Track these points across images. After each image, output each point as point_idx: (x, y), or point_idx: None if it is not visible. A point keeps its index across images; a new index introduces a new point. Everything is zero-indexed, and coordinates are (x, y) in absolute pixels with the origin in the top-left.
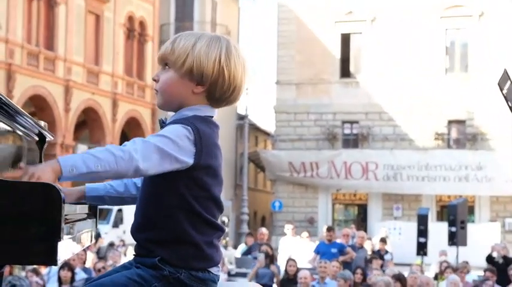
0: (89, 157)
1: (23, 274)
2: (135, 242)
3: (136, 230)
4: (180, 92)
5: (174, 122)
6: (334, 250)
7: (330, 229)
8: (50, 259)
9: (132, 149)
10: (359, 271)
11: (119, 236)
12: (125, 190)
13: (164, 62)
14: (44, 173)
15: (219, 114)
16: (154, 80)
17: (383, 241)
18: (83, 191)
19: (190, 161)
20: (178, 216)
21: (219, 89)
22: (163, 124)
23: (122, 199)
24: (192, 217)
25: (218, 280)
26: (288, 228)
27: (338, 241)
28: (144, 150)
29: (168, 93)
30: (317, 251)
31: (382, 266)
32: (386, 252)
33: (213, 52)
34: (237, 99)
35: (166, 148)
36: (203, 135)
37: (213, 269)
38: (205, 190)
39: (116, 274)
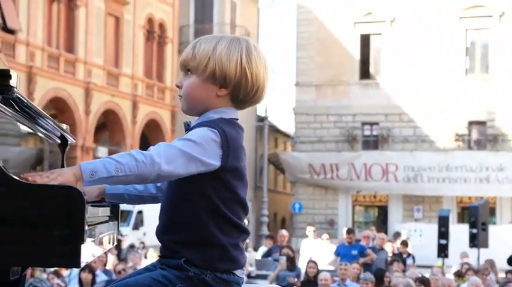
0: (109, 162)
1: (44, 276)
2: (155, 244)
3: (162, 232)
4: (204, 96)
5: (200, 125)
6: (354, 252)
7: (350, 231)
8: (73, 261)
9: (155, 153)
10: (387, 274)
11: (139, 238)
12: (145, 189)
13: (186, 68)
14: (63, 174)
15: (239, 116)
16: (178, 86)
17: (404, 244)
18: (103, 189)
19: (217, 163)
20: (204, 218)
21: (243, 91)
22: (188, 127)
23: (141, 198)
24: (218, 219)
25: (242, 283)
26: (310, 230)
27: (362, 242)
28: (168, 154)
29: (192, 98)
30: (337, 253)
31: (403, 270)
32: (409, 255)
33: (234, 54)
34: (260, 99)
35: (192, 151)
36: (230, 137)
37: (238, 272)
38: (231, 192)
39: (141, 275)
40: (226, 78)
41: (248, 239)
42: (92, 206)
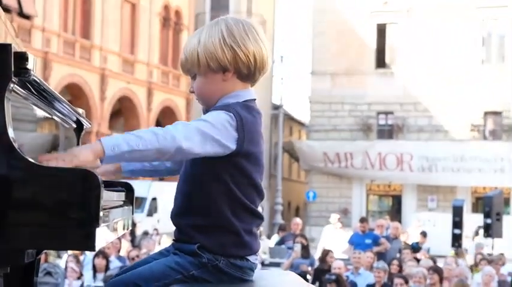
0: (130, 136)
1: (58, 261)
2: (169, 231)
3: (177, 215)
4: (214, 88)
5: (216, 108)
6: (368, 241)
7: (363, 220)
8: (87, 244)
9: (173, 130)
10: (395, 262)
11: (153, 224)
12: (160, 162)
13: (188, 73)
14: (80, 155)
15: (254, 95)
16: (191, 92)
17: (423, 234)
18: (119, 166)
19: (232, 146)
20: (220, 202)
21: (243, 66)
22: (206, 112)
23: (156, 172)
24: (234, 204)
25: (255, 269)
26: (334, 218)
27: (376, 231)
28: (186, 131)
29: (205, 95)
30: (351, 242)
31: (416, 258)
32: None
33: (216, 37)
34: (265, 66)
35: (208, 130)
36: (245, 121)
37: (251, 258)
38: (247, 176)
39: (154, 262)
40: (220, 62)
41: (262, 227)
42: (106, 190)
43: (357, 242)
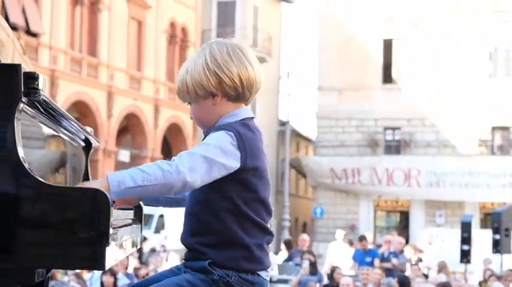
0: (136, 172)
1: (66, 278)
2: (177, 248)
3: (187, 236)
4: (207, 112)
5: (216, 129)
6: (369, 259)
7: (362, 239)
8: (97, 263)
9: (179, 163)
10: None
11: (161, 241)
12: (168, 193)
13: (184, 101)
14: (91, 186)
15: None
16: (192, 118)
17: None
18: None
19: (237, 165)
20: (228, 219)
21: (229, 88)
22: (206, 133)
23: (177, 201)
24: (241, 220)
25: (267, 285)
26: (340, 234)
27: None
28: (191, 162)
29: (202, 120)
30: (354, 258)
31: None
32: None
33: (199, 64)
34: (255, 85)
35: (212, 155)
36: (245, 138)
37: (263, 273)
38: (253, 191)
39: (165, 280)
40: (207, 89)
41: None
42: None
43: (359, 260)
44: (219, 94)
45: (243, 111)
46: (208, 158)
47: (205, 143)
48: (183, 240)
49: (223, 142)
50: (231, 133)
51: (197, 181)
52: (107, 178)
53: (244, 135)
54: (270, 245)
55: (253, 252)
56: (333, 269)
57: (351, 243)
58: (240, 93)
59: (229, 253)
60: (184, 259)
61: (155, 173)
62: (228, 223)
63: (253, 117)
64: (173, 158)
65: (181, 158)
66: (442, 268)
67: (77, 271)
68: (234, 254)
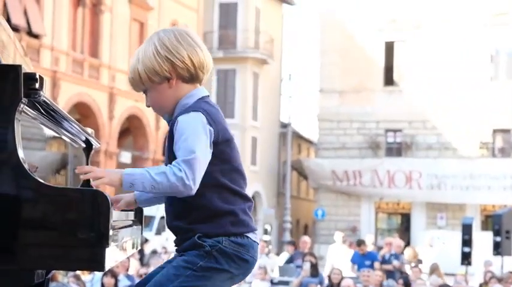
0: (147, 178)
1: (66, 280)
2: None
3: (172, 219)
4: (164, 96)
5: (181, 113)
6: (367, 262)
7: (360, 243)
8: (97, 265)
9: (184, 175)
10: (400, 281)
11: (162, 243)
12: None
13: (139, 90)
14: (112, 176)
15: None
16: (148, 106)
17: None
18: (132, 198)
19: (212, 139)
20: (208, 193)
21: (183, 71)
22: (170, 119)
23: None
24: (222, 191)
25: (256, 247)
26: (338, 236)
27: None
28: (193, 171)
29: (159, 106)
30: (353, 261)
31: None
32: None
33: (149, 52)
34: (206, 66)
35: (201, 150)
36: (211, 113)
37: (251, 235)
38: (227, 162)
39: (163, 269)
40: (161, 74)
41: (271, 245)
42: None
43: (358, 263)
44: (173, 77)
45: (199, 90)
46: (199, 152)
47: (185, 137)
48: (169, 223)
49: (199, 126)
50: (199, 112)
51: (198, 183)
52: (122, 175)
53: (211, 111)
54: (271, 247)
55: (239, 216)
56: (330, 270)
57: (349, 245)
58: (194, 74)
59: (216, 222)
60: (175, 245)
61: (163, 183)
62: (209, 196)
63: (208, 95)
64: (177, 166)
65: (183, 169)
66: (434, 270)
67: (77, 272)
68: (221, 222)
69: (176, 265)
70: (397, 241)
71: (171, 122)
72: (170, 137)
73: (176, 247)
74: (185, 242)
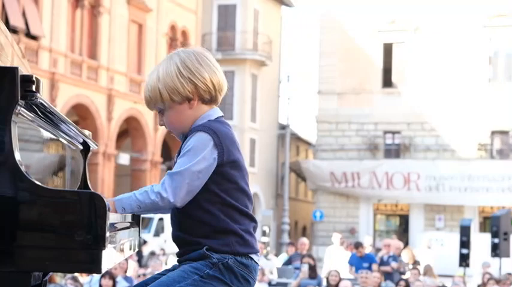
0: (134, 200)
1: (64, 282)
2: (176, 251)
3: (178, 231)
4: (183, 117)
5: (193, 131)
6: (365, 265)
7: (358, 246)
8: (94, 267)
9: (162, 190)
10: (402, 283)
11: (160, 245)
12: None
13: (155, 108)
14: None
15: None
16: (161, 125)
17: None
18: None
19: (214, 164)
20: (214, 210)
21: (205, 92)
22: (183, 138)
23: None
24: (228, 209)
25: (258, 269)
26: (336, 237)
27: (383, 251)
28: (172, 183)
29: (176, 126)
30: (351, 263)
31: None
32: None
33: (172, 72)
34: (224, 88)
35: (192, 166)
36: (220, 134)
37: (254, 257)
38: (233, 182)
39: (168, 273)
40: (182, 94)
41: (269, 247)
42: None
43: (355, 265)
44: (195, 98)
45: (215, 111)
46: (187, 171)
47: (182, 154)
48: (175, 236)
49: (199, 146)
50: (207, 133)
51: (183, 197)
52: (114, 202)
53: (219, 131)
54: (269, 249)
55: (244, 237)
56: (328, 272)
57: (347, 247)
58: (213, 95)
59: (223, 239)
60: (177, 257)
61: (145, 202)
62: (216, 213)
63: (223, 116)
64: (162, 179)
65: (164, 183)
66: (427, 271)
67: (75, 274)
68: (228, 240)
69: (183, 270)
70: (396, 243)
71: (183, 141)
72: (179, 153)
73: (178, 258)
74: (190, 253)
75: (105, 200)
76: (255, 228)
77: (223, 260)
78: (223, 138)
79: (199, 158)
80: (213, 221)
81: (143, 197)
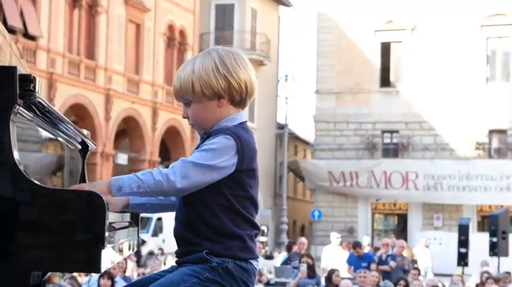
0: (134, 179)
1: (63, 282)
2: (175, 249)
3: (181, 228)
4: (210, 114)
5: (216, 132)
6: (364, 264)
7: (356, 245)
8: (93, 266)
9: (170, 172)
10: (402, 282)
11: (158, 245)
12: (165, 197)
13: (181, 100)
14: (98, 186)
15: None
16: (185, 117)
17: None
18: (127, 201)
19: (231, 169)
20: (221, 214)
21: (236, 93)
22: (203, 136)
23: (162, 206)
24: (234, 215)
25: (256, 274)
26: (334, 237)
27: (381, 250)
28: (183, 170)
29: (201, 121)
30: (349, 262)
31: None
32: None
33: (209, 67)
34: (254, 92)
35: (207, 162)
36: (245, 142)
37: (254, 262)
38: (245, 190)
39: (168, 274)
40: (215, 90)
41: (267, 246)
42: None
43: (354, 265)
44: (225, 97)
45: (241, 115)
46: (202, 164)
47: (203, 149)
48: (178, 233)
49: (222, 147)
50: (231, 137)
51: (189, 186)
52: (110, 181)
53: (244, 139)
54: (268, 248)
55: (246, 242)
56: (332, 272)
57: (345, 246)
58: (243, 98)
59: (225, 243)
60: (176, 257)
61: (148, 182)
62: (222, 217)
63: (246, 121)
64: (172, 164)
65: (174, 166)
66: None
67: (74, 274)
68: (229, 245)
69: (181, 272)
70: (400, 242)
71: (204, 139)
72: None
73: (177, 259)
74: (190, 255)
75: (104, 199)
76: (256, 235)
77: (223, 264)
78: (246, 146)
79: (218, 159)
80: (218, 224)
81: (146, 178)
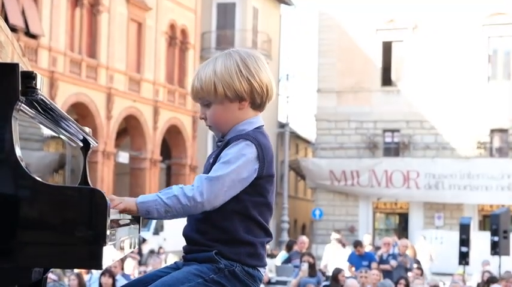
0: (160, 203)
1: (65, 280)
2: (175, 250)
3: (192, 230)
4: (230, 116)
5: (236, 138)
6: (365, 263)
7: (357, 244)
8: (94, 263)
9: (197, 194)
10: (402, 281)
11: (159, 243)
12: None
13: (200, 101)
14: (127, 203)
15: (263, 122)
16: (202, 118)
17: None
18: (135, 204)
19: (254, 175)
20: (235, 219)
21: (258, 96)
22: (221, 140)
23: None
24: (248, 221)
25: (262, 280)
26: (334, 237)
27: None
28: (211, 189)
29: (221, 123)
30: (350, 261)
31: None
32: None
33: (231, 67)
34: (273, 95)
35: (233, 175)
36: (265, 148)
37: (261, 270)
38: (263, 196)
39: (173, 272)
40: (237, 92)
41: (268, 245)
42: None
43: (355, 264)
44: (247, 99)
45: (259, 119)
46: (229, 178)
47: (226, 160)
48: (188, 233)
49: (244, 156)
50: (252, 144)
51: (216, 204)
52: (136, 203)
53: (264, 145)
54: (268, 247)
55: (257, 249)
56: (337, 271)
57: (343, 245)
58: (263, 102)
59: (236, 248)
60: (184, 253)
61: (175, 207)
62: (235, 223)
63: (263, 125)
64: (195, 179)
65: (201, 186)
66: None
67: (76, 271)
68: (239, 250)
69: (187, 271)
70: (404, 241)
71: (223, 143)
72: (217, 157)
73: (185, 255)
74: (199, 253)
75: (105, 196)
76: (268, 242)
77: (230, 268)
78: (266, 153)
79: (241, 167)
80: (231, 230)
81: (172, 202)
